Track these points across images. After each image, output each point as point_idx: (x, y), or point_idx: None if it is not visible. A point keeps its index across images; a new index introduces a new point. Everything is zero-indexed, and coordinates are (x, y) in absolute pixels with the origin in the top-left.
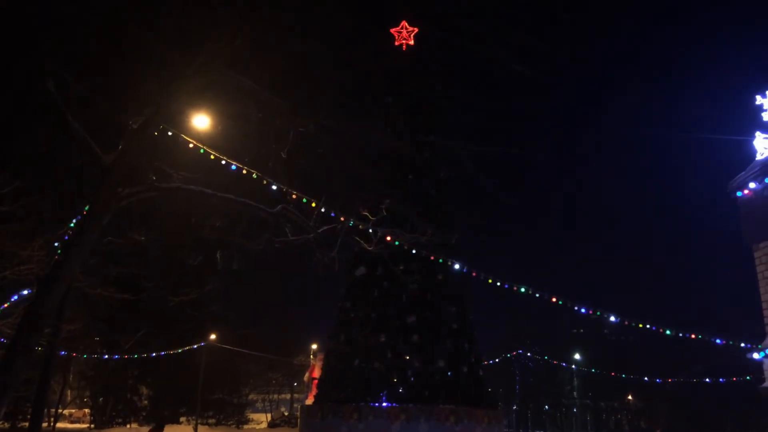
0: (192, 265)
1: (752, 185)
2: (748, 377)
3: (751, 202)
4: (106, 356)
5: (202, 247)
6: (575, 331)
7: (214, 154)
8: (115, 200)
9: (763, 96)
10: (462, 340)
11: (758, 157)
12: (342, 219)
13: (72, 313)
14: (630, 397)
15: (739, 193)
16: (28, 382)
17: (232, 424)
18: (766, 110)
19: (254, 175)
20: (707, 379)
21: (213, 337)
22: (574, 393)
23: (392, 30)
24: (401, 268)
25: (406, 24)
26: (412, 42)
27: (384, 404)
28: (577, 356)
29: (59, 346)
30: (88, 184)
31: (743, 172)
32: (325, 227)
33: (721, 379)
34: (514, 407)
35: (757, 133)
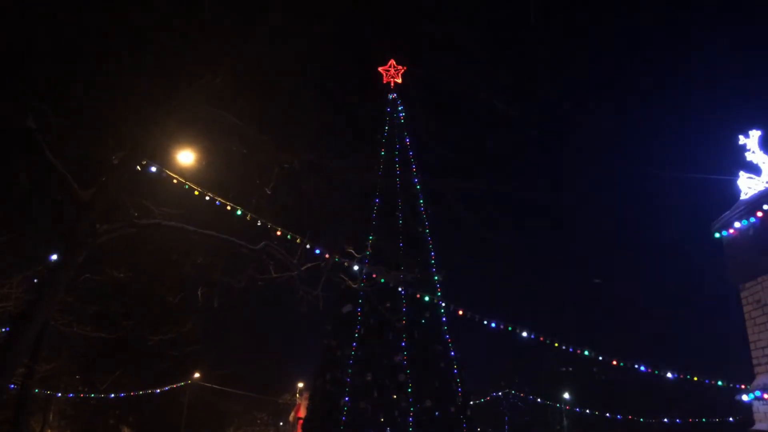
0: (172, 302)
1: (737, 225)
2: (733, 418)
3: (736, 242)
4: (85, 395)
5: (183, 284)
6: (564, 369)
7: (198, 190)
8: (92, 237)
9: (746, 136)
10: (449, 378)
11: (742, 196)
12: (327, 256)
13: (51, 351)
14: None
15: (724, 233)
16: (2, 423)
17: None
18: (749, 150)
19: (238, 212)
20: (695, 419)
21: (197, 375)
22: None
23: (380, 68)
24: (387, 305)
25: (394, 62)
26: (400, 80)
27: None
28: (566, 395)
29: (36, 384)
30: (67, 221)
31: (728, 212)
32: (309, 264)
33: (712, 420)
34: None
35: (741, 173)
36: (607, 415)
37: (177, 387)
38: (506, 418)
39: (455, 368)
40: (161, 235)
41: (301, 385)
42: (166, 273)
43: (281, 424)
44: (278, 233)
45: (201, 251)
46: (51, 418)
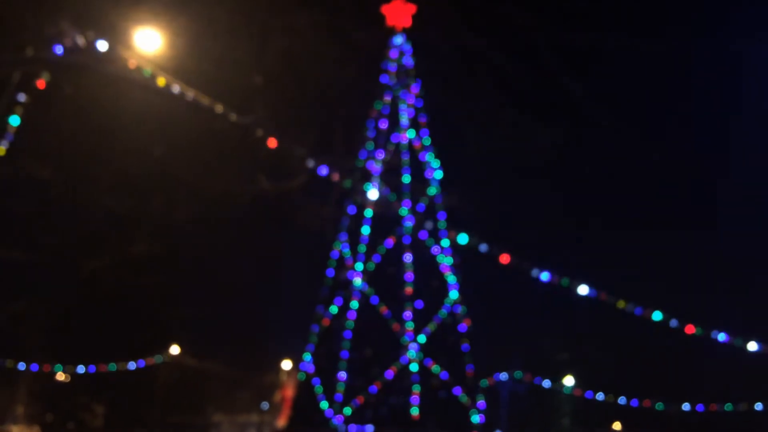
0: (117, 212)
1: None
2: None
3: None
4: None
5: (134, 186)
6: (567, 353)
7: (164, 78)
8: None
9: None
10: (458, 355)
11: None
12: (336, 177)
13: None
14: (619, 426)
15: None
16: None
17: None
18: None
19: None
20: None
21: (174, 351)
22: (566, 420)
23: (384, 8)
24: (392, 269)
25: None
26: (408, 23)
27: (369, 429)
28: (570, 381)
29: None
30: None
31: None
32: (314, 165)
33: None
34: None
35: None
36: (611, 400)
37: (153, 362)
38: (506, 405)
39: (465, 345)
40: (104, 111)
41: (289, 362)
42: (109, 170)
43: (266, 405)
44: (273, 144)
45: (163, 138)
46: (21, 394)
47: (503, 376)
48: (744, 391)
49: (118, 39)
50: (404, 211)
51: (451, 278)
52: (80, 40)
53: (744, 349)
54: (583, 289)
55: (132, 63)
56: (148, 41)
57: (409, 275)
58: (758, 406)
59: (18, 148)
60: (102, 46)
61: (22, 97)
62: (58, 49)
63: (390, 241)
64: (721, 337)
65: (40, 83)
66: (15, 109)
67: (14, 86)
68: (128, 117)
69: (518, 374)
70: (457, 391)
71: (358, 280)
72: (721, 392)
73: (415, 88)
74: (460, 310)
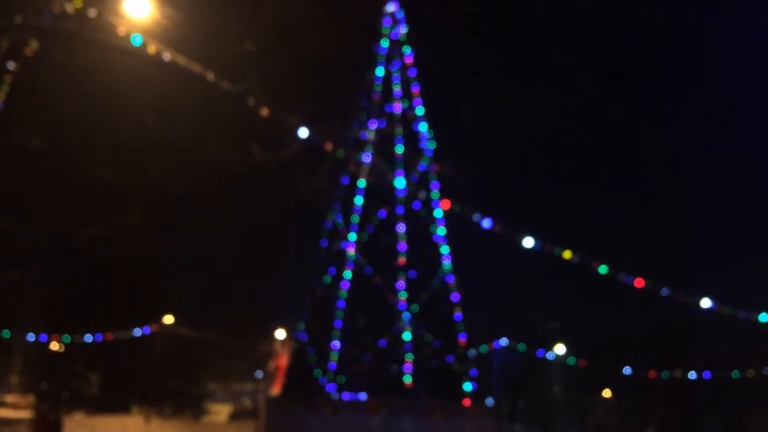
0: (110, 183)
1: None
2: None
3: None
4: (46, 338)
5: (126, 156)
6: (556, 320)
7: (153, 45)
8: None
9: None
10: (450, 325)
11: None
12: (329, 147)
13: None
14: (609, 394)
15: None
16: None
17: (189, 415)
18: None
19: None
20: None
21: (168, 320)
22: (557, 388)
23: None
24: (386, 241)
25: None
26: None
27: (362, 396)
28: (560, 348)
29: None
30: None
31: None
32: (307, 135)
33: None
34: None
35: None
36: (601, 367)
37: (146, 332)
38: (497, 372)
39: (457, 314)
40: (95, 80)
41: (282, 331)
42: (101, 138)
43: (261, 373)
44: (265, 113)
45: (155, 106)
46: (16, 363)
47: (495, 344)
48: (734, 358)
49: (107, 6)
50: (397, 181)
51: (444, 248)
52: (69, 7)
53: (733, 317)
54: (574, 258)
55: (121, 30)
56: (138, 8)
57: (402, 245)
58: (748, 373)
59: (8, 117)
60: (91, 13)
61: (11, 66)
62: (47, 16)
63: (383, 212)
64: (708, 303)
65: (29, 51)
66: (4, 77)
67: (3, 54)
68: (120, 85)
69: (509, 343)
70: (450, 359)
71: (351, 251)
72: (711, 360)
73: (408, 58)
74: (452, 279)
